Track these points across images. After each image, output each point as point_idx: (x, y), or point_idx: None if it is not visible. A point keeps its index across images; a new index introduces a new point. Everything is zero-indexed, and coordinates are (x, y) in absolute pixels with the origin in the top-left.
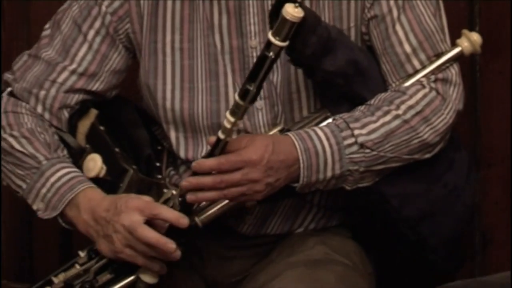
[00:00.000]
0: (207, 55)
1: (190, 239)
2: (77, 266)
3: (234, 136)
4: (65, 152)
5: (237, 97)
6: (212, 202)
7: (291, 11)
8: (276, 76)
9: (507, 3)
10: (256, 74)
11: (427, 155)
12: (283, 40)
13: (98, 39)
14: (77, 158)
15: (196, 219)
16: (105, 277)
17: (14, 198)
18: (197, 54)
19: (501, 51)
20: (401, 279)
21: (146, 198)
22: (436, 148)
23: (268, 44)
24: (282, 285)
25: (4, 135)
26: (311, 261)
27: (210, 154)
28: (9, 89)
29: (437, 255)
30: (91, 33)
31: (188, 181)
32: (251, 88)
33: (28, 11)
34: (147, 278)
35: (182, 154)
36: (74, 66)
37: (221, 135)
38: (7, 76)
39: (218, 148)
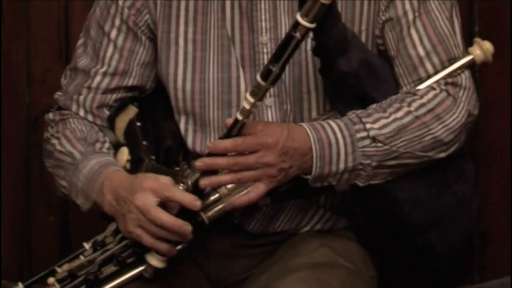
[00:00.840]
0: (219, 47)
1: (196, 236)
2: (82, 257)
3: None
4: (106, 145)
5: (258, 78)
6: (221, 198)
7: None
8: (286, 74)
9: (506, 3)
10: (280, 55)
11: (442, 154)
12: (311, 22)
13: (121, 37)
14: (115, 152)
15: (203, 215)
16: (110, 269)
17: (14, 198)
18: (209, 46)
19: (500, 51)
20: (405, 284)
21: (163, 179)
22: (451, 148)
23: (295, 25)
24: (285, 286)
25: (52, 141)
26: (315, 264)
27: (226, 135)
28: (56, 105)
29: (442, 263)
30: (114, 32)
31: (202, 161)
32: (274, 69)
33: (27, 11)
34: (155, 262)
35: (190, 146)
36: (105, 68)
37: (239, 116)
38: (57, 93)
39: (235, 129)
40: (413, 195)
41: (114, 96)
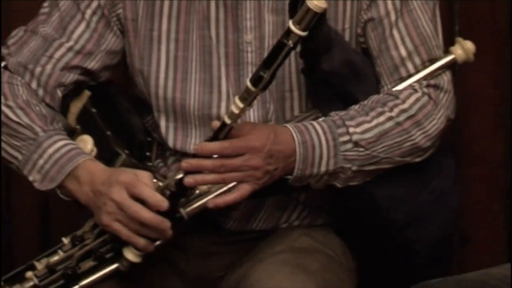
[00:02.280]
0: (201, 47)
1: (175, 233)
2: (60, 252)
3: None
4: (60, 125)
5: (249, 83)
6: (200, 194)
7: (316, 2)
8: None
9: (486, 2)
10: (271, 61)
11: (418, 159)
12: (304, 30)
13: (95, 18)
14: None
15: (182, 211)
16: (88, 264)
17: None
18: (192, 46)
19: (481, 50)
20: (384, 279)
21: (143, 174)
22: (427, 153)
23: (288, 32)
24: (265, 269)
25: (1, 107)
26: (296, 249)
27: (213, 138)
28: (3, 63)
29: (421, 260)
30: (89, 12)
31: (188, 162)
32: (265, 75)
33: (8, 11)
34: (131, 256)
35: (170, 143)
36: (71, 43)
37: (227, 120)
38: (3, 50)
39: (223, 133)
40: (391, 192)
41: (71, 76)
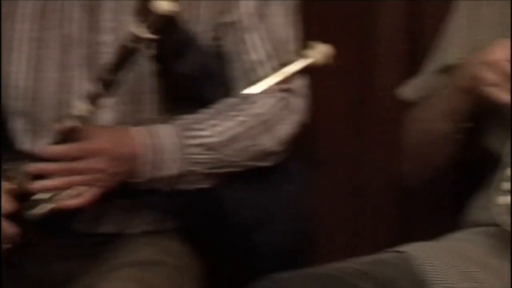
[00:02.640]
0: (59, 47)
1: (20, 235)
2: None
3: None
4: None
5: (96, 85)
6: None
7: (164, 5)
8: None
9: (341, 4)
10: (117, 65)
11: (268, 163)
12: (151, 33)
13: None
14: None
15: (28, 213)
16: None
17: None
18: (49, 45)
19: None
20: (233, 282)
21: None
22: (278, 157)
23: (135, 36)
24: (106, 286)
25: None
26: (138, 262)
27: (58, 141)
28: None
29: (267, 264)
30: None
31: (33, 166)
32: (110, 78)
33: None
34: None
35: (21, 145)
36: None
37: (73, 122)
38: None
39: (69, 136)
40: (237, 195)
41: None
